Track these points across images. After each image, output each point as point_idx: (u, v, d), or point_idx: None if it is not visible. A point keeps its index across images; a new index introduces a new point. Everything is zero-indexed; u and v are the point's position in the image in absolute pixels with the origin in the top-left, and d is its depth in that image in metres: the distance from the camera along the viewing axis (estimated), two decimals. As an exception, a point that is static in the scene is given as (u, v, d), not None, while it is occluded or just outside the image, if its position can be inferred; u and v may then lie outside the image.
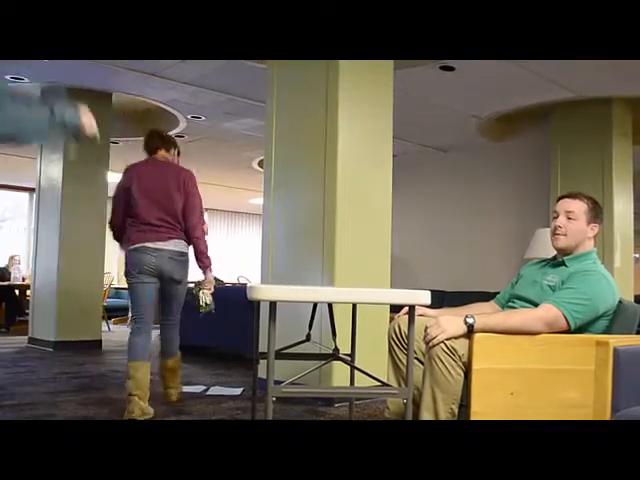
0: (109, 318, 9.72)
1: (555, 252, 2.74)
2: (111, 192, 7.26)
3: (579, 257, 2.64)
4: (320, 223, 4.33)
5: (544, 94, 6.26)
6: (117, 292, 11.14)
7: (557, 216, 2.68)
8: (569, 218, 2.65)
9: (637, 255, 8.82)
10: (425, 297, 2.28)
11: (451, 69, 5.62)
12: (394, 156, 4.73)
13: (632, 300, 4.91)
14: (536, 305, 2.53)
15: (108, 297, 9.64)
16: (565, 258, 2.66)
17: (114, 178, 7.89)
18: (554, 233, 2.68)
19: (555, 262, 2.72)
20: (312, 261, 4.37)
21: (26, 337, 7.25)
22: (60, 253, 6.70)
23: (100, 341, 7.01)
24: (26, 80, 6.39)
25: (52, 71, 6.11)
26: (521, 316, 2.45)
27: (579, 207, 2.66)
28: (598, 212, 2.69)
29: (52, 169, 6.93)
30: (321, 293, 2.47)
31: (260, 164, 9.68)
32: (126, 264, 3.75)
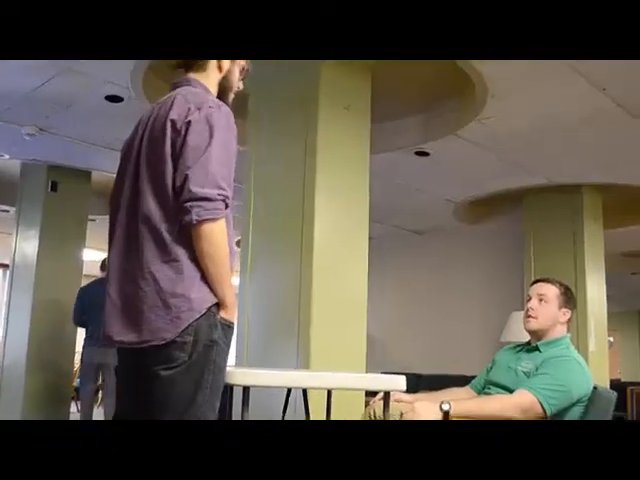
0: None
1: (529, 337, 2.77)
2: (86, 269, 7.19)
3: (552, 342, 2.67)
4: (296, 305, 4.32)
5: (516, 180, 6.42)
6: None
7: (530, 299, 2.75)
8: (541, 300, 2.71)
9: (611, 339, 8.87)
10: (401, 382, 2.26)
11: (426, 154, 5.75)
12: (370, 238, 4.77)
13: (607, 385, 4.92)
14: (511, 391, 2.52)
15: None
16: (539, 343, 2.68)
17: (90, 255, 7.86)
18: (526, 315, 2.74)
19: (529, 347, 2.74)
20: (287, 342, 4.33)
21: (-9, 418, 7.02)
22: (31, 332, 6.56)
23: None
24: (6, 157, 6.43)
25: (33, 149, 6.16)
26: (497, 402, 2.44)
27: (551, 291, 2.72)
28: (570, 297, 2.75)
29: (27, 245, 6.87)
30: (295, 378, 2.45)
31: (238, 244, 9.71)
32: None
